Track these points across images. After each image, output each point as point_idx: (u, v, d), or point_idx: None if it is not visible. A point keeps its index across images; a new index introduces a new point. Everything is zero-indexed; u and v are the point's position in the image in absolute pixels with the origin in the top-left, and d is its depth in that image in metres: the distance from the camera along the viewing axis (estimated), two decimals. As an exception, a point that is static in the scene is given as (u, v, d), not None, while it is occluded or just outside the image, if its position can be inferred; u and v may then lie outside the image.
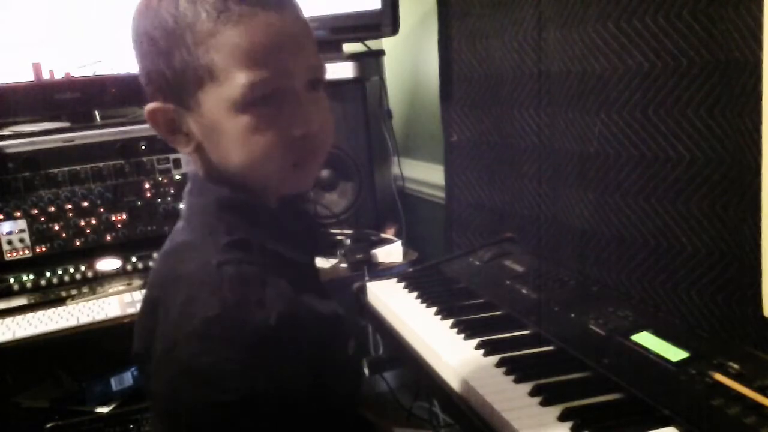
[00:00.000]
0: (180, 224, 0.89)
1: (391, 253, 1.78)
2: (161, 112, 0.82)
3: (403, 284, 1.46)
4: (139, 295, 1.64)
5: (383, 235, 1.90)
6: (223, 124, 0.79)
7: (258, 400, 0.73)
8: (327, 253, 1.80)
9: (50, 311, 1.59)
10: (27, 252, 1.68)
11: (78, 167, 1.71)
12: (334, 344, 0.88)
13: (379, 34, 1.85)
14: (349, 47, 1.95)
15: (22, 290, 1.66)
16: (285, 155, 0.81)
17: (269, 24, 0.76)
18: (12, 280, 1.65)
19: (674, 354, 1.00)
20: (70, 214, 1.71)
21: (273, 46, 0.77)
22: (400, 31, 1.80)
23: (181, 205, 0.91)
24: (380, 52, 2.01)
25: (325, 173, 1.97)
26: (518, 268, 1.44)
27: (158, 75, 0.80)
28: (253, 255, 0.81)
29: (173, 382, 0.76)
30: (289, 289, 0.79)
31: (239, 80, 0.76)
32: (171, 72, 0.78)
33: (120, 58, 1.80)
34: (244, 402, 0.72)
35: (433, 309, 1.30)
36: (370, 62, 1.91)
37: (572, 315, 1.19)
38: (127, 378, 1.76)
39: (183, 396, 0.75)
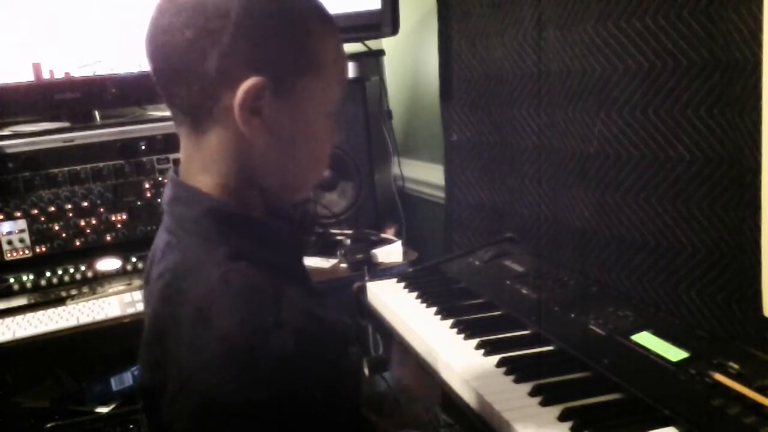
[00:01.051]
0: (165, 237, 0.83)
1: (391, 253, 1.78)
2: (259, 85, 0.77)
3: (403, 284, 1.46)
4: (139, 295, 1.64)
5: (383, 235, 1.90)
6: (315, 120, 0.82)
7: (286, 422, 0.69)
8: (327, 253, 1.80)
9: (50, 311, 1.59)
10: (27, 252, 1.68)
11: (78, 167, 1.71)
12: (343, 353, 0.85)
13: (379, 34, 1.85)
14: (349, 47, 1.95)
15: (22, 290, 1.66)
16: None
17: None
18: (12, 280, 1.65)
19: (674, 354, 1.00)
20: (70, 214, 1.71)
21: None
22: (400, 31, 1.80)
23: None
24: (380, 52, 2.01)
25: (325, 173, 1.97)
26: (518, 268, 1.44)
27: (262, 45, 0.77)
28: (255, 265, 0.76)
29: (194, 418, 0.69)
30: (298, 299, 0.75)
31: (339, 88, 0.84)
32: (280, 46, 0.78)
33: (120, 58, 1.80)
34: (271, 426, 0.69)
35: (433, 309, 1.30)
36: (370, 62, 1.91)
37: (572, 315, 1.19)
38: (127, 378, 1.76)
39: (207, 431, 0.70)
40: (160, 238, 0.84)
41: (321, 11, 0.82)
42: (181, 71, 0.77)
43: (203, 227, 0.79)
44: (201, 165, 0.81)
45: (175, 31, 0.75)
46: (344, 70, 0.87)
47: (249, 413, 0.68)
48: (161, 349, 0.75)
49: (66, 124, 1.79)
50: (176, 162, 0.88)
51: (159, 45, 0.77)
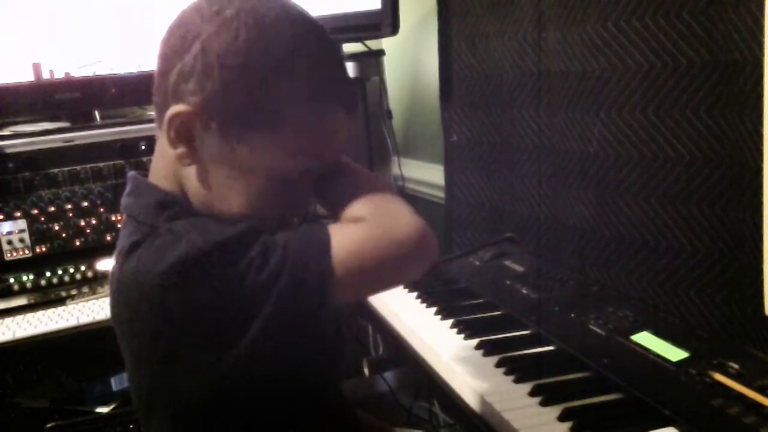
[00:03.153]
0: (123, 232, 0.84)
1: (391, 253, 1.77)
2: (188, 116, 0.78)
3: (403, 284, 1.46)
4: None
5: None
6: (255, 177, 0.80)
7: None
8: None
9: (50, 311, 1.59)
10: (27, 252, 1.68)
11: (78, 167, 1.71)
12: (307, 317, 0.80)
13: (379, 34, 1.85)
14: (349, 47, 1.95)
15: (22, 290, 1.66)
16: None
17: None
18: (12, 280, 1.65)
19: (674, 354, 1.00)
20: (70, 214, 1.71)
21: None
22: (400, 31, 1.80)
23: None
24: (380, 52, 2.01)
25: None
26: (518, 268, 1.44)
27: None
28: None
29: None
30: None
31: (304, 156, 0.81)
32: (233, 90, 0.75)
33: (120, 58, 1.80)
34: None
35: (433, 309, 1.30)
36: (370, 62, 1.91)
37: (572, 315, 1.19)
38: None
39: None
40: (120, 237, 0.86)
41: (316, 74, 0.77)
42: (157, 75, 0.79)
43: (148, 215, 0.80)
44: (159, 160, 0.84)
45: (165, 36, 0.79)
46: (321, 137, 0.80)
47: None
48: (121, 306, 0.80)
49: (66, 124, 1.79)
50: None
51: (159, 45, 0.80)
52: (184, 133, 0.77)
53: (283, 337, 0.74)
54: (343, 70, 0.83)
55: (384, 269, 0.78)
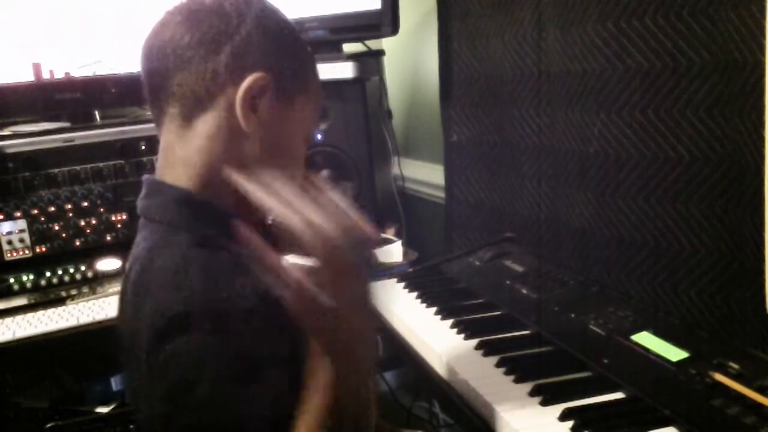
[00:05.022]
0: (137, 238, 0.86)
1: (391, 253, 1.78)
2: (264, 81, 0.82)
3: (403, 284, 1.46)
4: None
5: (383, 235, 1.90)
6: (298, 137, 0.87)
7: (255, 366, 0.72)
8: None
9: (50, 311, 1.59)
10: (27, 252, 1.68)
11: (78, 167, 1.71)
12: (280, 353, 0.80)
13: (379, 34, 1.85)
14: (349, 47, 1.95)
15: (22, 290, 1.66)
16: None
17: None
18: (12, 280, 1.65)
19: (674, 354, 1.00)
20: (70, 214, 1.71)
21: None
22: (400, 31, 1.80)
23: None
24: (380, 52, 2.01)
25: (325, 173, 1.97)
26: (518, 268, 1.44)
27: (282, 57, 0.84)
28: (217, 251, 0.78)
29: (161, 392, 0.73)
30: (252, 284, 0.76)
31: (316, 118, 0.92)
32: (285, 57, 0.84)
33: (120, 58, 1.80)
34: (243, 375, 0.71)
35: (433, 309, 1.30)
36: (370, 62, 1.91)
37: (572, 315, 1.19)
38: (127, 378, 1.77)
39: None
40: (135, 241, 0.87)
41: (306, 44, 0.91)
42: (191, 62, 0.81)
43: (168, 213, 0.82)
44: (179, 158, 0.84)
45: (187, 28, 0.81)
46: (321, 102, 0.93)
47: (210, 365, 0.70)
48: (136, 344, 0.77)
49: (66, 124, 1.79)
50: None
51: (168, 40, 0.82)
52: (255, 103, 0.82)
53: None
54: None
55: None
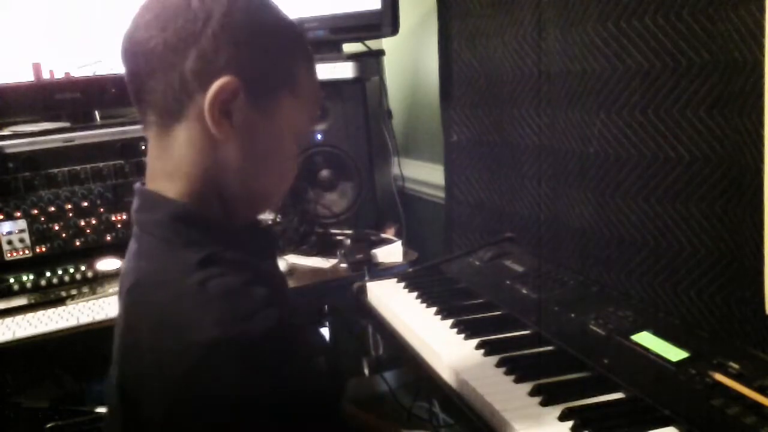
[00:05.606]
0: (132, 247, 0.82)
1: (391, 253, 1.78)
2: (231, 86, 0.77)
3: (403, 284, 1.46)
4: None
5: (383, 235, 1.90)
6: (286, 138, 0.83)
7: (286, 404, 0.69)
8: (327, 253, 1.80)
9: (50, 311, 1.59)
10: (27, 252, 1.68)
11: (78, 167, 1.71)
12: (306, 363, 0.80)
13: (379, 34, 1.85)
14: (349, 47, 1.95)
15: (22, 290, 1.66)
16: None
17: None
18: (12, 280, 1.65)
19: (674, 354, 1.00)
20: (70, 214, 1.71)
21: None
22: (400, 31, 1.80)
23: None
24: (380, 52, 2.01)
25: (325, 173, 1.97)
26: (518, 268, 1.44)
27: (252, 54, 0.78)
28: (224, 266, 0.75)
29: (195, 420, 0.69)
30: (269, 297, 0.74)
31: (311, 116, 0.87)
32: (259, 55, 0.79)
33: (120, 58, 1.80)
34: (272, 411, 0.69)
35: (433, 309, 1.30)
36: (370, 62, 1.91)
37: (572, 315, 1.19)
38: (127, 378, 1.77)
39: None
40: (129, 248, 0.84)
41: (302, 39, 0.85)
42: (157, 70, 0.77)
43: (166, 231, 0.78)
44: (166, 168, 0.80)
45: (155, 30, 0.76)
46: (318, 100, 0.88)
47: (249, 403, 0.68)
48: (134, 359, 0.75)
49: (66, 124, 1.79)
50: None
51: (137, 43, 0.78)
52: (227, 108, 0.77)
53: None
54: None
55: None
